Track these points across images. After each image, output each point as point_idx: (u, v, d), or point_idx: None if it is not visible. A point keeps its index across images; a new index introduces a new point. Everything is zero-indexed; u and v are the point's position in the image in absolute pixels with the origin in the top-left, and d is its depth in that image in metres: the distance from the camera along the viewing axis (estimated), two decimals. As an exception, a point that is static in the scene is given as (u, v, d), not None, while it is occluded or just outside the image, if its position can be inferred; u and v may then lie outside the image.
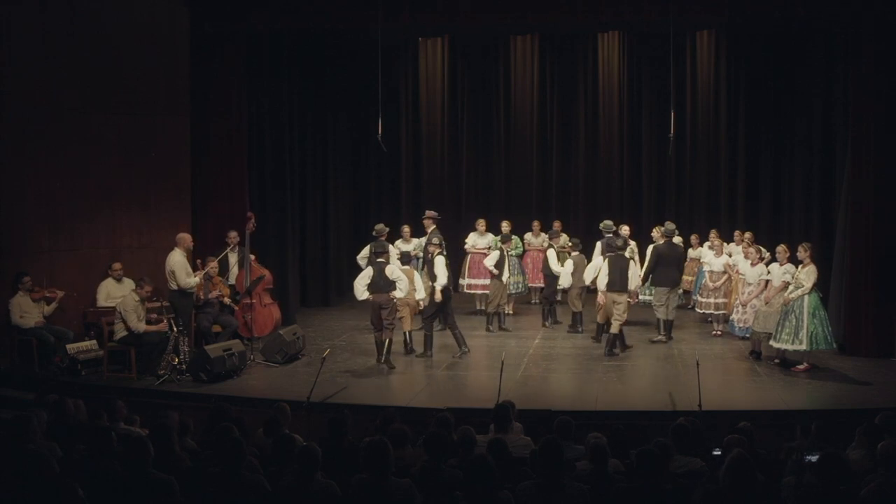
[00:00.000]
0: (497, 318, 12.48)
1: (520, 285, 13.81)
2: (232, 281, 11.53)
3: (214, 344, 10.09)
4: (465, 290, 13.79)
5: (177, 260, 10.21)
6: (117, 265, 11.09)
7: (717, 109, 15.25)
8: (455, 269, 14.11)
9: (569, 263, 12.15)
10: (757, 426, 6.92)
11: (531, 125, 16.08)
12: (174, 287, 10.19)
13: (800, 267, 9.94)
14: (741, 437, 6.21)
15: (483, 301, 13.75)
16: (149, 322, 10.05)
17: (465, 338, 10.95)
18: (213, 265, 10.80)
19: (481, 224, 13.79)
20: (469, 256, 13.74)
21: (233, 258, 11.57)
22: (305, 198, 14.44)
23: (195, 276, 10.34)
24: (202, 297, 10.88)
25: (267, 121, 13.20)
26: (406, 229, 13.81)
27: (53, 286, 10.63)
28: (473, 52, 16.23)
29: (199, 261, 10.82)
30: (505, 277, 12.46)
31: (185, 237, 10.47)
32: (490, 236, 13.66)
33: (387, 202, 16.47)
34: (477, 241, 13.68)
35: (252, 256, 11.77)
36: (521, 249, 13.88)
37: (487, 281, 13.39)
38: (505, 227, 13.64)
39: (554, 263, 12.35)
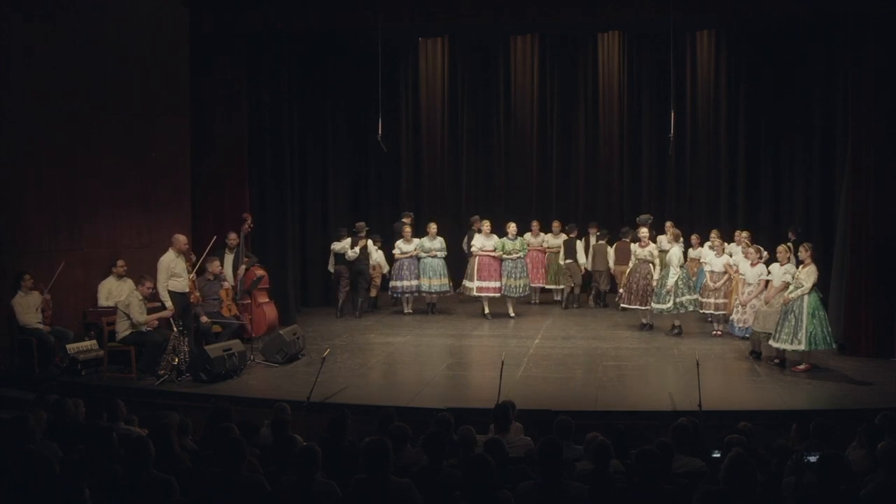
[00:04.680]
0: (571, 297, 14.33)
1: (522, 286, 13.71)
2: (231, 281, 11.50)
3: (214, 344, 10.08)
4: (475, 293, 13.46)
5: (161, 261, 10.04)
6: (121, 262, 11.12)
7: (717, 109, 15.25)
8: (456, 269, 14.09)
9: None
10: (757, 426, 6.92)
11: (531, 125, 16.09)
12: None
13: (800, 267, 9.93)
14: (741, 437, 6.21)
15: (488, 304, 13.61)
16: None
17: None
18: (192, 274, 10.37)
19: (486, 226, 13.59)
20: (477, 259, 13.45)
21: (230, 259, 11.54)
22: (305, 198, 14.45)
23: (176, 279, 10.03)
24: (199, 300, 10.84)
25: (267, 120, 13.20)
26: (407, 230, 13.79)
27: (47, 288, 10.61)
28: (473, 52, 16.23)
29: (187, 263, 10.65)
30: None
31: (178, 238, 10.19)
32: (495, 238, 13.55)
33: (387, 202, 16.46)
34: (484, 243, 13.50)
35: (254, 258, 11.75)
36: (525, 250, 13.80)
37: (498, 283, 13.31)
38: (511, 228, 13.56)
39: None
